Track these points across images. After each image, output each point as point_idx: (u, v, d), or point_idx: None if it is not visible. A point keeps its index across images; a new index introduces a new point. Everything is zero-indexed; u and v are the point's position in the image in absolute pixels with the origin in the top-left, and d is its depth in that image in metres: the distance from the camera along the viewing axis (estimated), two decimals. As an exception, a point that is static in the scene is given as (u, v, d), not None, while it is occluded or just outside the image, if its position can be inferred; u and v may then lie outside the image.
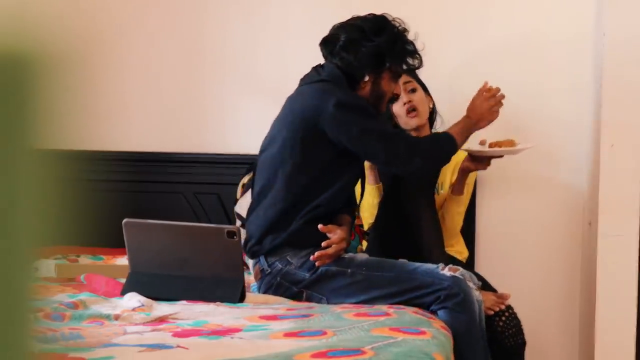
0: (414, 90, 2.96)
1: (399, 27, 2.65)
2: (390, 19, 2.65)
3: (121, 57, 3.52)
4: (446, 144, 2.60)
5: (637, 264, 3.06)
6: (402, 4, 3.41)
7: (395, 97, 2.75)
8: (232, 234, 2.35)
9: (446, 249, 2.95)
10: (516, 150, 2.78)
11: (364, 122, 2.51)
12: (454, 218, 2.99)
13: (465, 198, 3.04)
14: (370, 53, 2.58)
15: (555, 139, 3.35)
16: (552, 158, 3.37)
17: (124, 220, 2.40)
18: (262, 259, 2.57)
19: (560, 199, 3.37)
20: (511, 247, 3.39)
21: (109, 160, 3.40)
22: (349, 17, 2.67)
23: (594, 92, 3.24)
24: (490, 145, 2.78)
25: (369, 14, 2.65)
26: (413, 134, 2.97)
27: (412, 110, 2.95)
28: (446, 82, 3.16)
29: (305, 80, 2.65)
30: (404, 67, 2.67)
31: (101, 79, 3.43)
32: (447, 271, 2.42)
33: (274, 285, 2.53)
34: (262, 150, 2.67)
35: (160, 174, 3.46)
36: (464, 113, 2.68)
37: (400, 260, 2.55)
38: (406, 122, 2.96)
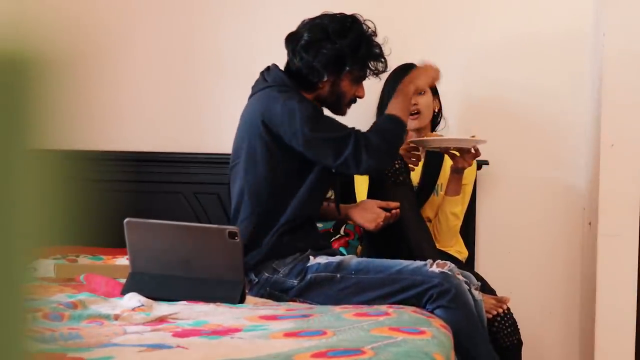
0: (421, 93, 2.96)
1: (366, 30, 2.59)
2: (359, 20, 2.60)
3: (120, 57, 3.52)
4: (392, 126, 2.55)
5: (637, 264, 3.07)
6: (402, 4, 3.41)
7: (353, 100, 2.66)
8: (233, 235, 2.34)
9: (446, 249, 2.95)
10: (474, 140, 2.78)
11: (308, 125, 2.47)
12: (449, 219, 2.99)
13: (463, 199, 3.03)
14: (330, 55, 2.55)
15: (555, 139, 3.35)
16: (552, 158, 3.37)
17: (126, 220, 2.39)
18: (249, 272, 2.57)
19: (560, 199, 3.37)
20: (511, 247, 3.39)
21: (109, 160, 3.40)
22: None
23: (594, 92, 3.24)
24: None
25: (339, 13, 2.61)
26: (414, 135, 2.98)
27: (414, 112, 2.96)
28: (444, 83, 3.16)
29: (254, 89, 2.65)
30: (367, 72, 2.62)
31: (101, 79, 3.43)
32: (435, 267, 2.39)
33: (264, 297, 2.51)
34: (231, 167, 2.66)
35: (160, 174, 3.46)
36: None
37: (392, 260, 2.53)
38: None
